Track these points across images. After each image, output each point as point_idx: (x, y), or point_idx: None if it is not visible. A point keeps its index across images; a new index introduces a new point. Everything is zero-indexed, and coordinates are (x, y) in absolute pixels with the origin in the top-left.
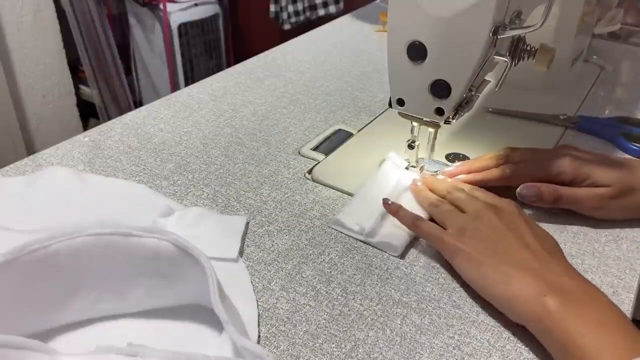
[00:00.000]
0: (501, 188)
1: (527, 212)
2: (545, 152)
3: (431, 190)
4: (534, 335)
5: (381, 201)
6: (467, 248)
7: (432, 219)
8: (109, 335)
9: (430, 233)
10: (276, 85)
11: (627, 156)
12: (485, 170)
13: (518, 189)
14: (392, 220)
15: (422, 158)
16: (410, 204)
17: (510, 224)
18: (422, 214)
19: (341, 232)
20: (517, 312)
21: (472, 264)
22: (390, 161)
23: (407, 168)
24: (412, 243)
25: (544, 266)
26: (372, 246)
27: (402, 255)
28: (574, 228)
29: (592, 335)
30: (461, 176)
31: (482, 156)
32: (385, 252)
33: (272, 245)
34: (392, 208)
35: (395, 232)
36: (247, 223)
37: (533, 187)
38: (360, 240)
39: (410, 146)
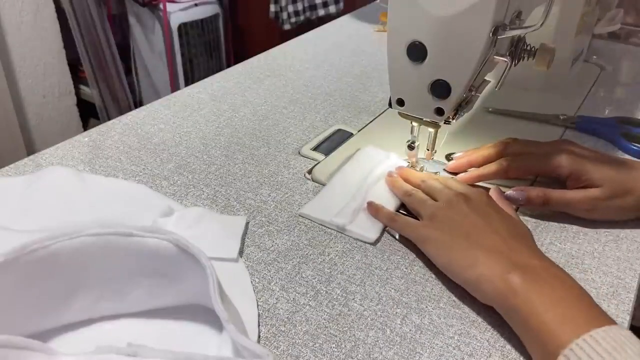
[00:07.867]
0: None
1: (531, 213)
2: (544, 146)
3: (405, 181)
4: None
5: (351, 191)
6: (437, 234)
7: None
8: (109, 335)
9: (405, 224)
10: (276, 85)
11: (627, 156)
12: (484, 166)
13: (507, 192)
14: (364, 211)
15: (423, 158)
16: (385, 194)
17: (480, 211)
18: (394, 203)
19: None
20: (484, 292)
21: (442, 250)
22: (363, 151)
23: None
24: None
25: (511, 248)
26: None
27: (376, 242)
28: (574, 228)
29: (553, 310)
30: (461, 175)
31: (482, 146)
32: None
33: (272, 245)
34: (372, 208)
35: (367, 224)
36: (247, 223)
37: (521, 190)
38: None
39: (410, 147)
